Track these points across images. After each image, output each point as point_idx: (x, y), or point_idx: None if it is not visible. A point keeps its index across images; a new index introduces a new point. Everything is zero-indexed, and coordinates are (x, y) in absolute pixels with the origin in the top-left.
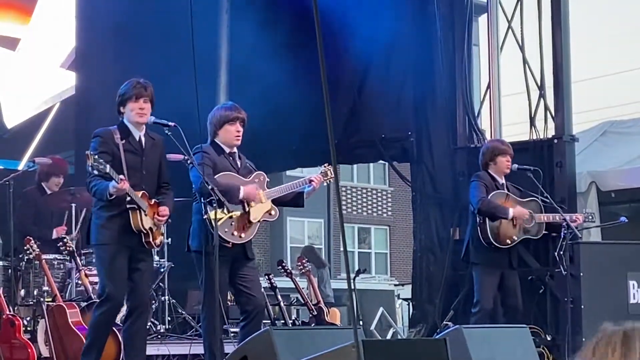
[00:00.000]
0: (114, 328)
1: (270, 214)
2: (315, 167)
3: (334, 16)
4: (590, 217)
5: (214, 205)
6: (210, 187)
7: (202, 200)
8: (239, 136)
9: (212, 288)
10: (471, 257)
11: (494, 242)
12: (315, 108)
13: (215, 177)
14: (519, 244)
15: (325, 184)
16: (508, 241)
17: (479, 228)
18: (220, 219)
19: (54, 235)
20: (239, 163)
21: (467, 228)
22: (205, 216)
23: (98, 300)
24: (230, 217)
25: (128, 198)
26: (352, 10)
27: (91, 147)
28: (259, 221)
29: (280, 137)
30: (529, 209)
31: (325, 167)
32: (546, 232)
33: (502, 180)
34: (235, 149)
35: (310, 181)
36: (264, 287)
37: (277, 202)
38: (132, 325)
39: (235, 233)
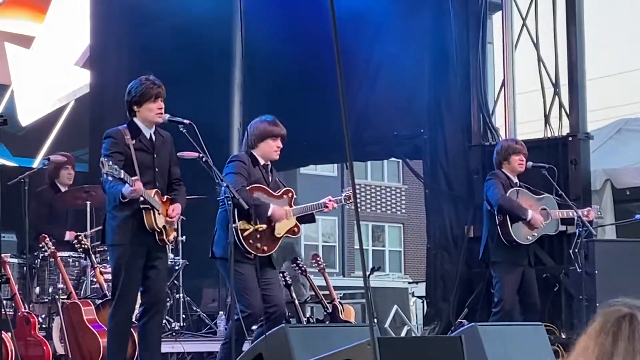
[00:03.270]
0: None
1: (293, 232)
2: (327, 165)
3: (348, 14)
4: (599, 213)
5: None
6: (231, 192)
7: (229, 207)
8: (278, 152)
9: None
10: (491, 255)
11: (515, 239)
12: (328, 105)
13: (248, 188)
14: (535, 242)
15: (347, 206)
16: (529, 237)
17: (499, 226)
18: (247, 229)
19: (66, 237)
20: (270, 177)
21: (484, 227)
22: (235, 225)
23: (112, 304)
24: (257, 229)
25: (141, 199)
26: (367, 8)
27: (103, 147)
28: (282, 236)
29: (293, 134)
30: (542, 206)
31: (348, 190)
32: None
33: (515, 180)
34: (269, 163)
35: (325, 206)
36: None
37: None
38: (148, 323)
39: (259, 245)
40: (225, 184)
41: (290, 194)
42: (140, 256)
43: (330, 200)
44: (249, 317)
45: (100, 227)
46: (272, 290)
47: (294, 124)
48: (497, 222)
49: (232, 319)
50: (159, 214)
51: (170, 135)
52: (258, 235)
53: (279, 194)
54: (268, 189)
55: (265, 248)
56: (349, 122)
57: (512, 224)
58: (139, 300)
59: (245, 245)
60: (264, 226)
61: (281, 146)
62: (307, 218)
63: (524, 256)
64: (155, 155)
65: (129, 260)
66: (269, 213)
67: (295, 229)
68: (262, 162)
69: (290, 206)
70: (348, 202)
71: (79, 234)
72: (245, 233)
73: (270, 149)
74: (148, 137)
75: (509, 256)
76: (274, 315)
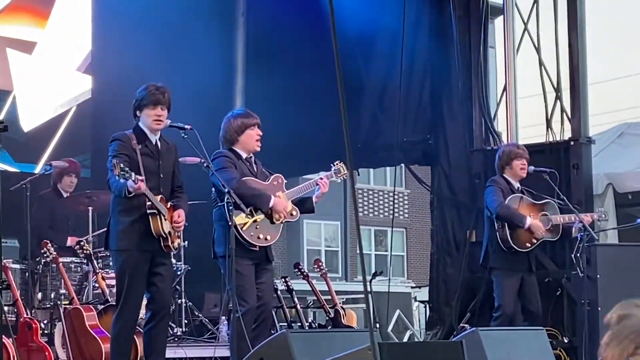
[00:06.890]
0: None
1: (292, 215)
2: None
3: (354, 22)
4: (603, 216)
5: (231, 208)
6: (226, 189)
7: (223, 204)
8: (259, 140)
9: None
10: (490, 261)
11: (513, 246)
12: (336, 112)
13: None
14: (537, 247)
15: (338, 180)
16: (528, 244)
17: (497, 233)
18: (245, 223)
19: (68, 243)
20: (255, 168)
21: (484, 233)
22: (231, 222)
23: (116, 310)
24: (255, 221)
25: (149, 203)
26: (372, 17)
27: (110, 149)
28: (282, 222)
29: (301, 142)
30: (543, 211)
31: (337, 164)
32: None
33: (517, 185)
34: (251, 155)
35: (317, 184)
36: (280, 290)
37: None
38: (153, 328)
39: (261, 236)
40: (227, 189)
41: (280, 180)
42: (145, 262)
43: (321, 179)
44: (245, 313)
45: (104, 230)
46: (262, 292)
47: (301, 132)
48: (496, 229)
49: (233, 316)
50: (165, 219)
51: (175, 144)
52: (257, 227)
53: (268, 182)
54: (258, 180)
55: (269, 237)
56: (361, 131)
57: (510, 231)
58: (143, 306)
59: (247, 238)
60: (261, 216)
61: (261, 134)
62: (307, 207)
63: (523, 262)
64: (160, 161)
65: (134, 265)
66: (270, 204)
67: (294, 212)
68: (244, 155)
69: (283, 191)
70: (339, 175)
71: (80, 239)
72: (245, 227)
73: (251, 139)
74: (154, 142)
75: (508, 262)
76: (262, 316)
